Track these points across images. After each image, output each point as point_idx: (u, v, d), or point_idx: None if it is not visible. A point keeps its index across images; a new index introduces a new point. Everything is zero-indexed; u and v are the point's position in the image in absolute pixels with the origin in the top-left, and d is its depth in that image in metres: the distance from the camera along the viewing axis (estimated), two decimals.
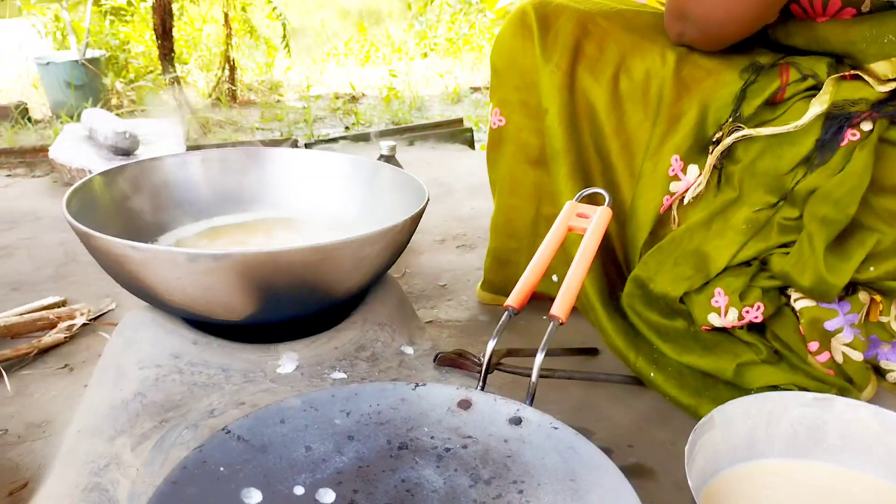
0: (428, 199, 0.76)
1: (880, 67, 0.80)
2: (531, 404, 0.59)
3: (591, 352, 0.93)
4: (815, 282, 0.78)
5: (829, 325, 0.82)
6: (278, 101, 3.28)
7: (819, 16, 0.83)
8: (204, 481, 0.49)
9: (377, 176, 0.88)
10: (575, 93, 0.90)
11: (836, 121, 0.79)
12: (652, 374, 0.83)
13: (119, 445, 0.56)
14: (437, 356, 0.71)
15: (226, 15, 3.17)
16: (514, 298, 0.64)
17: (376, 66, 4.41)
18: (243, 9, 3.38)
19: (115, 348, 0.67)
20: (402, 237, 0.70)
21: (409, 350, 0.72)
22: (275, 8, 3.36)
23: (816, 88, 0.81)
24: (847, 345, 0.82)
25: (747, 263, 0.84)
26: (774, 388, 0.80)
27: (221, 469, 0.50)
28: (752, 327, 0.86)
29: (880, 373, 0.88)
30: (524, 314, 0.85)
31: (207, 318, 0.65)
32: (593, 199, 0.83)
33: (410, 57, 4.55)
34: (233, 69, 3.21)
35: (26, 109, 2.58)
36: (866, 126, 0.77)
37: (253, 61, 3.54)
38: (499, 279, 1.06)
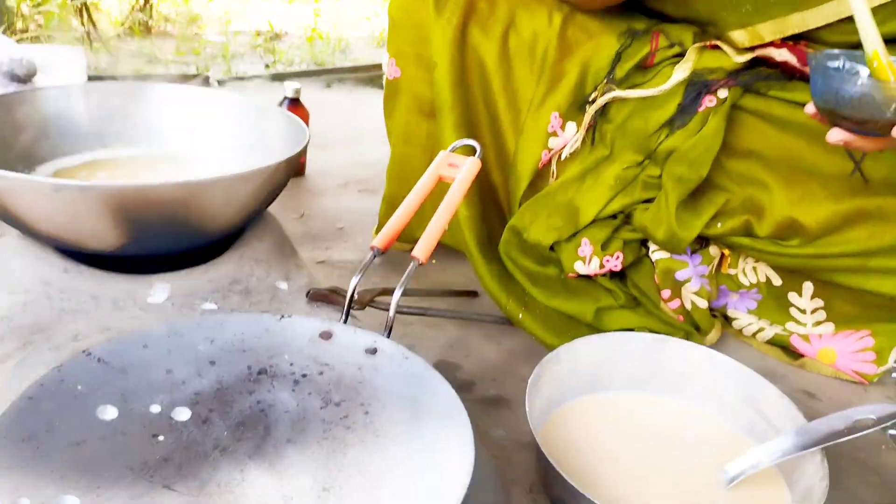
0: (307, 144, 0.78)
1: (739, 36, 0.86)
2: (388, 336, 0.64)
3: (471, 294, 0.99)
4: (668, 235, 0.85)
5: (680, 275, 0.89)
6: (196, 34, 3.16)
7: None
8: (61, 398, 0.52)
9: (266, 120, 0.89)
10: (465, 48, 0.92)
11: (696, 87, 0.85)
12: (521, 316, 0.89)
13: None
14: (309, 292, 0.75)
15: None
16: (380, 240, 0.68)
17: (304, 2, 4.28)
18: None
19: None
20: (276, 178, 0.72)
21: (283, 285, 0.75)
22: None
23: (682, 56, 0.87)
24: (695, 293, 0.90)
25: (613, 216, 0.91)
26: (629, 330, 0.88)
27: (79, 388, 0.53)
28: (615, 275, 0.93)
29: (729, 320, 0.96)
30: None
31: (78, 248, 0.66)
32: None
33: None
34: None
35: None
36: (722, 93, 0.84)
37: None
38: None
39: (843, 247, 0.80)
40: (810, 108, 0.67)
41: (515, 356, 0.88)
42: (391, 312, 0.64)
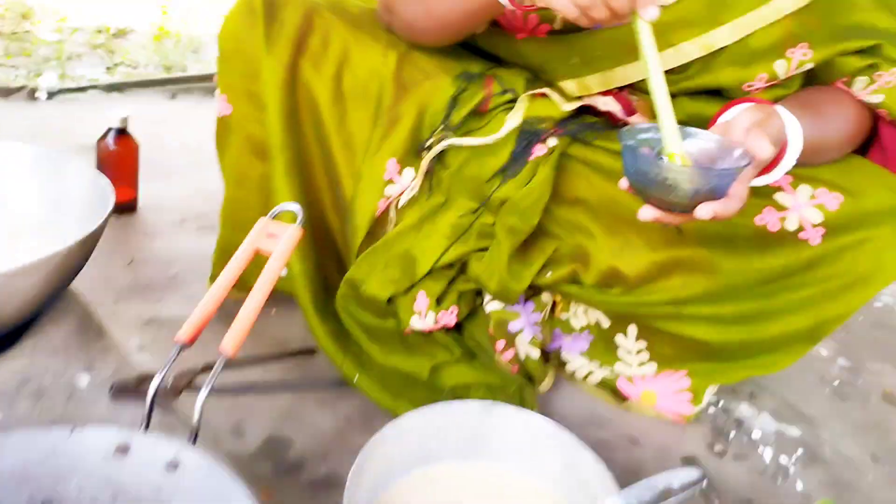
0: (108, 216, 0.72)
1: (569, 86, 0.88)
2: (195, 441, 0.60)
3: (308, 352, 0.96)
4: (500, 287, 0.86)
5: (513, 326, 0.90)
6: (27, 32, 2.89)
7: (520, 31, 0.89)
8: None
9: (65, 175, 0.82)
10: (297, 86, 0.88)
11: (527, 136, 0.85)
12: (357, 377, 0.87)
13: None
14: (112, 386, 0.69)
15: None
16: (186, 332, 0.64)
17: None
18: None
19: None
20: (68, 262, 0.66)
21: (84, 379, 0.69)
22: None
23: (515, 102, 0.87)
24: (528, 343, 0.91)
25: (450, 266, 0.90)
26: (466, 386, 0.88)
27: None
28: (452, 328, 0.93)
29: (563, 364, 0.99)
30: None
31: None
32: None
33: None
34: None
35: None
36: (552, 142, 0.85)
37: None
38: None
39: (659, 295, 0.84)
40: (623, 184, 0.68)
41: (351, 423, 0.86)
42: (196, 416, 0.60)
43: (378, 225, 0.93)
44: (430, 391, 0.87)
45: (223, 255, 1.02)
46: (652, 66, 0.66)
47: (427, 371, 0.88)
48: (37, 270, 0.62)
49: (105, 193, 0.74)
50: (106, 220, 0.70)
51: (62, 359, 0.68)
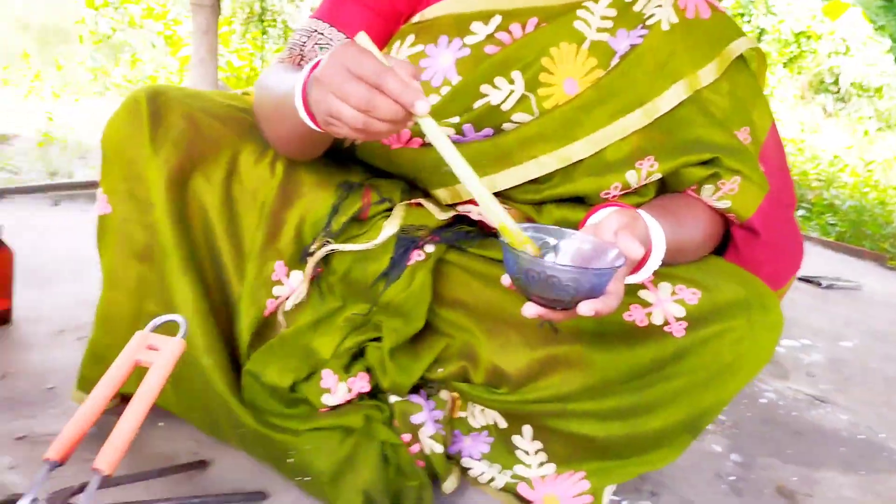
0: None
1: (442, 194, 0.93)
2: None
3: (200, 464, 0.91)
4: (389, 382, 0.87)
5: (415, 418, 0.91)
6: None
7: (394, 142, 0.93)
8: None
9: None
10: (186, 190, 0.88)
11: (404, 242, 0.89)
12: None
13: None
14: None
15: None
16: (56, 449, 0.60)
17: (41, 98, 3.95)
18: None
19: None
20: None
21: None
22: None
23: (391, 210, 0.91)
24: (431, 437, 0.91)
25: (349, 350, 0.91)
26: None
27: None
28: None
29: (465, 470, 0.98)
30: None
31: None
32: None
33: (80, 96, 4.15)
34: None
35: None
36: (429, 248, 0.89)
37: None
38: (95, 376, 0.98)
39: (542, 392, 0.86)
40: (506, 280, 0.71)
41: None
42: None
43: (266, 326, 0.92)
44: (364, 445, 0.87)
45: (93, 357, 0.97)
46: (447, 154, 0.67)
47: (361, 420, 0.87)
48: None
49: None
50: None
51: None
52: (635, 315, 0.83)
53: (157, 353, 0.69)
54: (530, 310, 0.68)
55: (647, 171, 0.87)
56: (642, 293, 0.83)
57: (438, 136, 0.66)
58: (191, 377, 0.89)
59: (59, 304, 1.34)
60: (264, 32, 5.69)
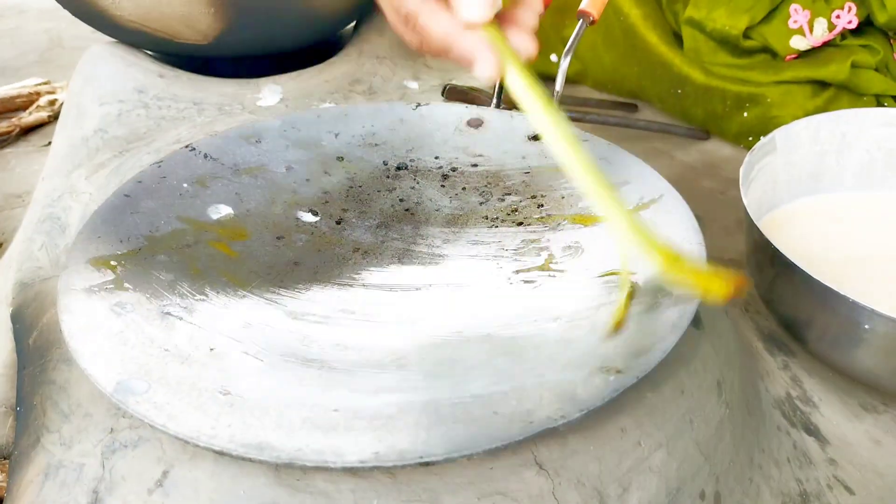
0: None
1: None
2: None
3: (630, 107, 0.82)
4: (889, 15, 0.64)
5: None
6: None
7: None
8: (163, 196, 0.41)
9: None
10: None
11: None
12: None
13: (75, 178, 0.48)
14: (445, 88, 0.61)
15: None
16: (590, 3, 0.51)
17: None
18: None
19: (74, 88, 0.58)
20: None
21: (413, 84, 0.61)
22: None
23: None
24: None
25: None
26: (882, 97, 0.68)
27: (185, 186, 0.42)
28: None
29: None
30: None
31: (169, 40, 0.55)
32: None
33: None
34: None
35: None
36: None
37: None
38: None
39: None
40: None
41: (696, 170, 0.71)
42: (558, 86, 0.49)
43: None
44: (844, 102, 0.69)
45: None
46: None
47: (846, 70, 0.69)
48: None
49: None
50: None
51: (388, 66, 0.61)
52: None
53: None
54: None
55: None
56: None
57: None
58: (615, 35, 0.76)
59: None
60: None
